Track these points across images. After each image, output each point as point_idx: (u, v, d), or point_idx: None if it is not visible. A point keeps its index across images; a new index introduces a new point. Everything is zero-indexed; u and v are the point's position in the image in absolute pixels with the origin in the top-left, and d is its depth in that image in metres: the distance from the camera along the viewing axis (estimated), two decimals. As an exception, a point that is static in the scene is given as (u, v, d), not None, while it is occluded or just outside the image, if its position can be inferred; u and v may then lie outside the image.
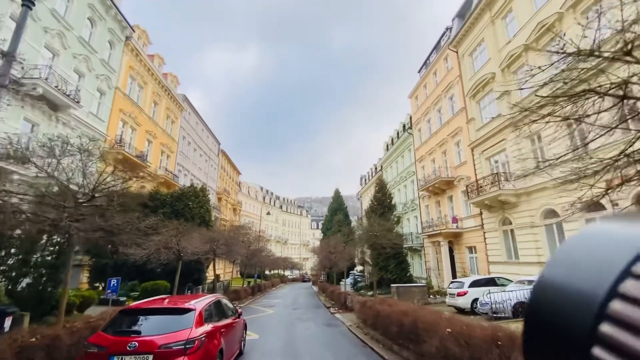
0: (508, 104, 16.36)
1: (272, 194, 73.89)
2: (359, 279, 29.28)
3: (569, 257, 0.36)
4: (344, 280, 24.65)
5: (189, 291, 17.90)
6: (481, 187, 16.89)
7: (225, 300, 6.40)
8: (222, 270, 43.95)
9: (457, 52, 21.47)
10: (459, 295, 12.52)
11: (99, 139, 16.97)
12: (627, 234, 0.34)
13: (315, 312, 15.38)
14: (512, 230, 16.18)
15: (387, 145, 38.36)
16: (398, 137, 33.91)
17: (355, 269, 45.72)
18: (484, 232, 18.07)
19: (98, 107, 19.49)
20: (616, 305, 0.29)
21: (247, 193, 60.25)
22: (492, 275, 13.73)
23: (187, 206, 17.96)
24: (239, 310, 6.86)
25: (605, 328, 0.29)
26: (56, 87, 14.83)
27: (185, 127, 32.22)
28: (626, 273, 0.30)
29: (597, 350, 0.29)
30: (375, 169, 43.43)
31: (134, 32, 22.20)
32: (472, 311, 12.16)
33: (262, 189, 69.65)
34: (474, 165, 19.26)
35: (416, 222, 28.31)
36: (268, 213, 41.19)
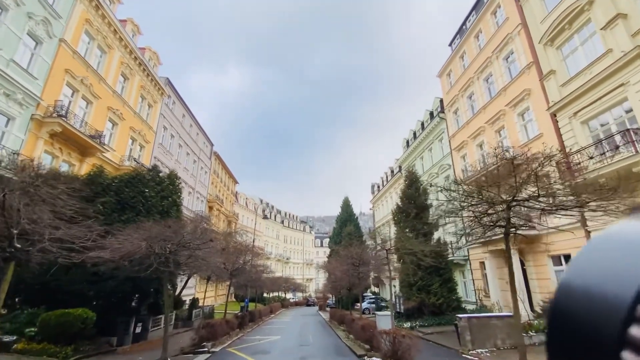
0: (627, 30, 10.85)
1: (272, 207, 67.65)
2: (382, 304, 22.63)
3: (594, 258, 0.34)
4: (371, 306, 18.20)
5: (139, 324, 11.49)
6: (591, 157, 10.99)
7: None
8: (213, 292, 37.11)
9: (515, -5, 16.23)
10: None
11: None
12: None
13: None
14: (651, 224, 10.11)
15: (408, 142, 32.68)
16: (423, 128, 28.26)
17: (369, 290, 38.62)
18: (589, 232, 11.96)
19: (30, 59, 14.10)
20: None
21: (245, 205, 54.14)
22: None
23: (141, 194, 11.96)
24: None
25: (635, 331, 0.28)
26: None
27: (168, 116, 26.80)
28: None
29: (627, 355, 0.28)
30: (392, 171, 37.52)
31: (93, -25, 17.23)
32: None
33: (262, 201, 63.54)
34: (559, 135, 13.44)
35: (455, 228, 22.03)
36: (265, 217, 34.97)
